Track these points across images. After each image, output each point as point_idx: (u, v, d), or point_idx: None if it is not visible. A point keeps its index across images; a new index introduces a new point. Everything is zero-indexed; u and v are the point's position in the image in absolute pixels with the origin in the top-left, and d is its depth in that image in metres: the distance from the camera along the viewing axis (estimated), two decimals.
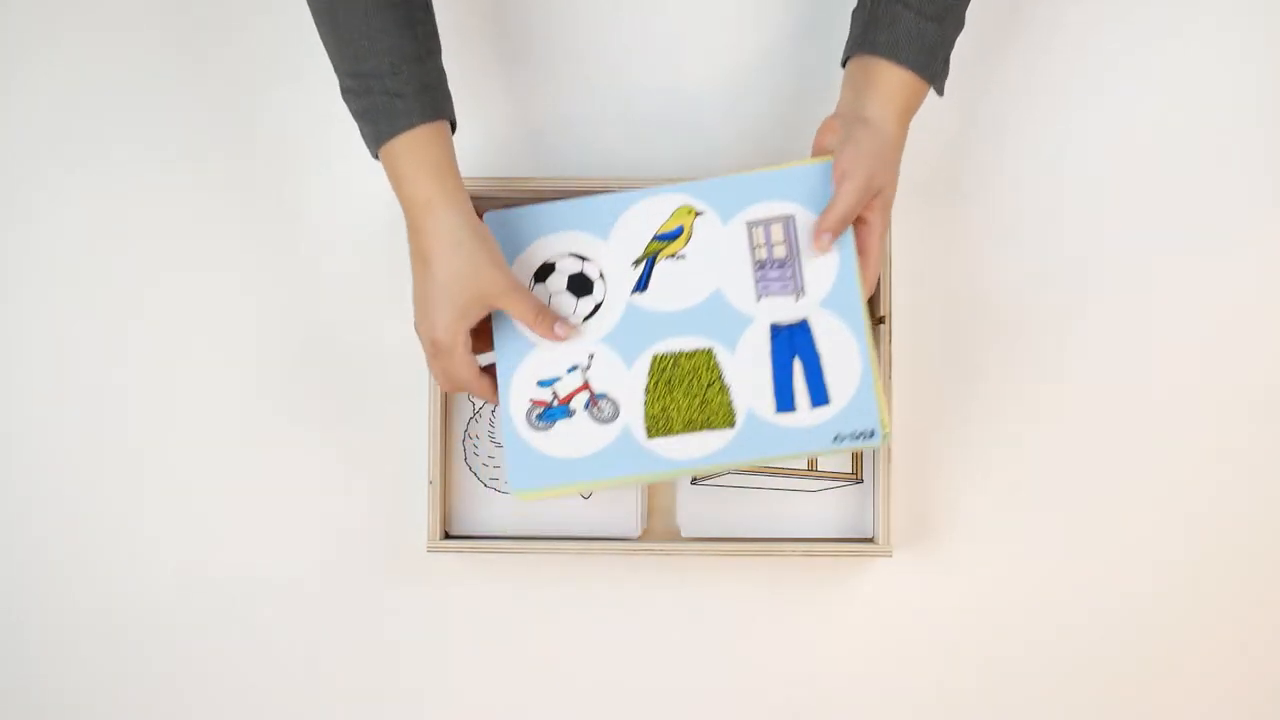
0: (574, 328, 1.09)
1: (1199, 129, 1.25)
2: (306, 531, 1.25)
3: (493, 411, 1.22)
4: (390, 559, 1.24)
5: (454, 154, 1.06)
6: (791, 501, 1.21)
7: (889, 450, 1.19)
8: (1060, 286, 1.24)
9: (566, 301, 1.11)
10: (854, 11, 1.11)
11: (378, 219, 1.26)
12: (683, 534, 1.22)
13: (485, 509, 1.21)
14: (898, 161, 1.08)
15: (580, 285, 1.11)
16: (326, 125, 1.25)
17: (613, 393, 1.09)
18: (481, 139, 1.25)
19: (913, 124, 1.10)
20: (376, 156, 1.06)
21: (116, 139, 1.27)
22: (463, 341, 1.06)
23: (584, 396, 1.09)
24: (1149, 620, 1.23)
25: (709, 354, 1.09)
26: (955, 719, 1.23)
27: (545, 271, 1.11)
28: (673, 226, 1.11)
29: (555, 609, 1.24)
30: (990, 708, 1.23)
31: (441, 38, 1.07)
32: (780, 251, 1.09)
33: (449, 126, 1.06)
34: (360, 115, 1.04)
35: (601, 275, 1.11)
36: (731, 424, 1.07)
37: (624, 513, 1.20)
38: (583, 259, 1.11)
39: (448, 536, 1.20)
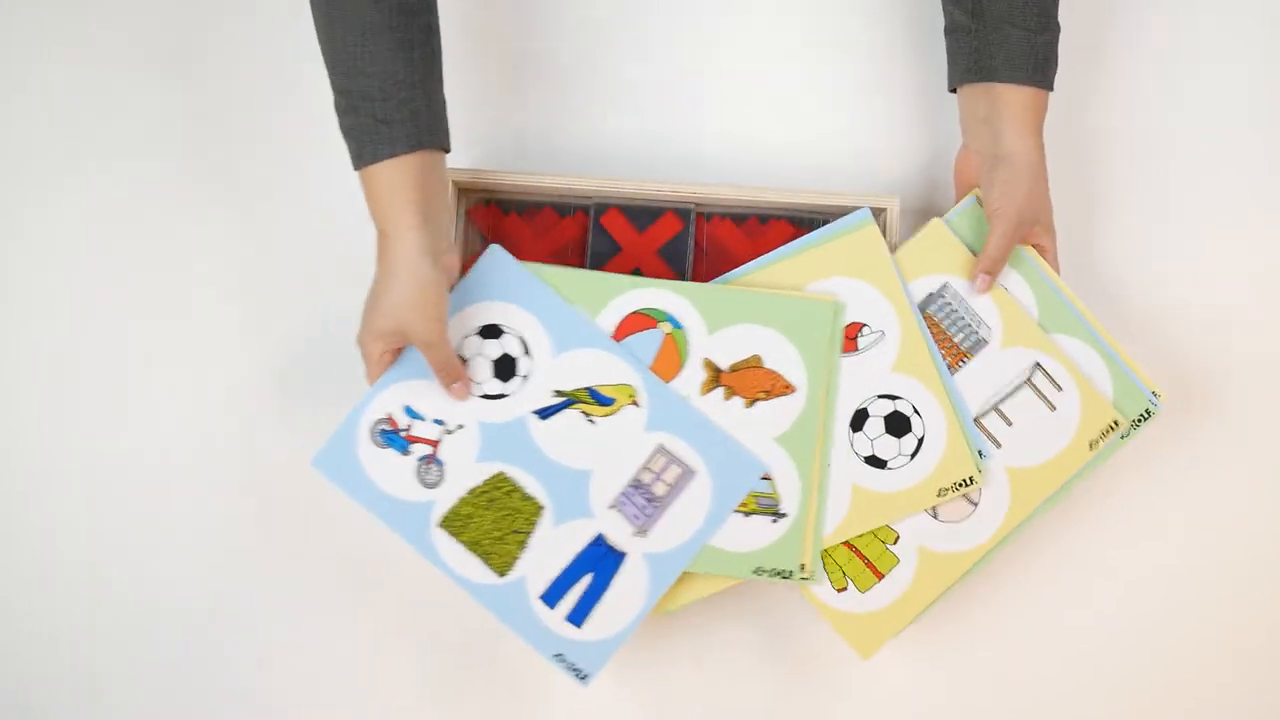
0: (469, 394, 1.12)
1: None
2: (299, 511, 1.23)
3: None
4: (379, 543, 1.22)
5: (435, 181, 1.06)
6: None
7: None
8: None
9: (483, 368, 1.13)
10: (950, 36, 1.14)
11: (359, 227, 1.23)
12: None
13: None
14: (1044, 184, 1.13)
15: (505, 369, 1.13)
16: (316, 126, 1.22)
17: (449, 468, 1.13)
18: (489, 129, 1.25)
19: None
20: (357, 169, 1.06)
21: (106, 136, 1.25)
22: (374, 356, 1.09)
23: (426, 450, 1.13)
24: (1127, 701, 1.25)
25: (538, 510, 1.13)
26: None
27: (492, 331, 1.13)
28: (609, 394, 1.14)
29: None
30: None
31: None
32: (660, 490, 1.14)
33: (437, 153, 1.07)
34: (345, 133, 1.05)
35: (526, 377, 1.13)
36: (503, 574, 1.13)
37: None
38: (526, 352, 1.13)
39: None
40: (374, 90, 1.02)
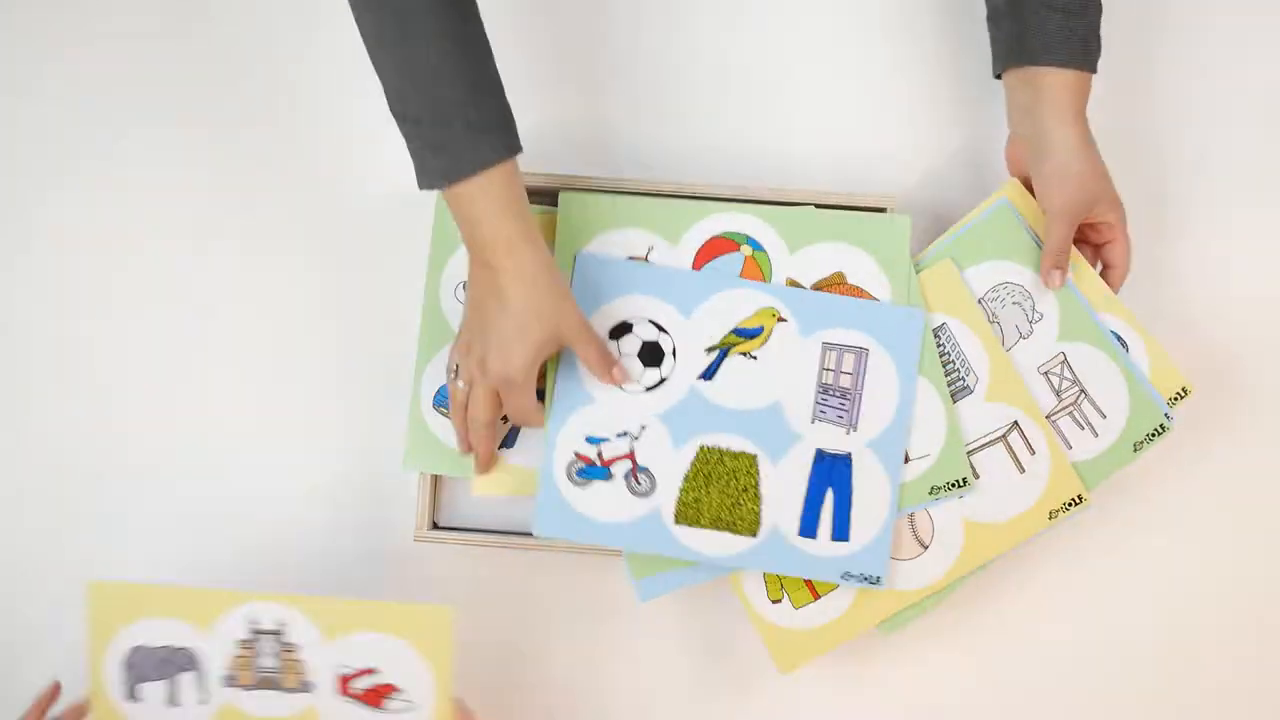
0: (631, 378, 1.12)
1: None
2: (299, 514, 1.23)
3: None
4: (379, 548, 1.23)
5: (524, 188, 1.04)
6: None
7: None
8: None
9: (635, 366, 1.13)
10: (991, 22, 1.13)
11: (375, 226, 1.24)
12: None
13: (475, 501, 1.21)
14: (1095, 164, 1.11)
15: (652, 355, 1.13)
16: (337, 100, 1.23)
17: (654, 468, 1.13)
18: (551, 130, 1.24)
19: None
20: (430, 187, 1.02)
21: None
22: (534, 378, 1.07)
23: (626, 465, 1.12)
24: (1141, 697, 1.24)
25: (752, 460, 1.13)
26: None
27: (621, 330, 1.13)
28: (754, 325, 1.13)
29: (540, 605, 1.23)
30: None
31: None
32: (846, 381, 1.14)
33: (517, 161, 1.04)
34: (433, 149, 1.01)
35: (674, 352, 1.13)
36: (754, 534, 1.13)
37: None
38: (661, 329, 1.13)
39: (435, 527, 1.21)
40: (465, 100, 0.99)
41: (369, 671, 1.08)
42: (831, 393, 1.13)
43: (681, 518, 1.12)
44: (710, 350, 1.13)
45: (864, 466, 1.13)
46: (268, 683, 1.08)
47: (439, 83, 0.99)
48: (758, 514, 1.13)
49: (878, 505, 1.13)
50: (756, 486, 1.13)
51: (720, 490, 1.13)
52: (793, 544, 1.13)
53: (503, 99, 1.03)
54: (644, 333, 1.13)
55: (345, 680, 1.09)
